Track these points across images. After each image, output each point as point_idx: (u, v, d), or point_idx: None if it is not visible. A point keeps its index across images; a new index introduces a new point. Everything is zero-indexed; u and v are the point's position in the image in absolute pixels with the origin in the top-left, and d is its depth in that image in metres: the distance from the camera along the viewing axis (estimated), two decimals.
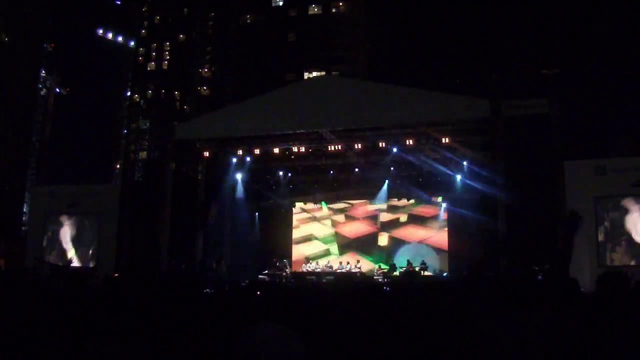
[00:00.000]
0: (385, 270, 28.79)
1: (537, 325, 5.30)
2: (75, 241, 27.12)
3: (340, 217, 33.68)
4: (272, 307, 5.51)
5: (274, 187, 32.61)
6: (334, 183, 31.66)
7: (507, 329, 5.26)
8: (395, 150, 26.60)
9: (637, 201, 20.95)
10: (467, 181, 28.29)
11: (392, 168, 29.18)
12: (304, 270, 31.01)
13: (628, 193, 20.91)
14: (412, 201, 31.69)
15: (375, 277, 27.83)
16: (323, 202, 33.41)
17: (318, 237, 33.73)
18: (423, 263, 28.69)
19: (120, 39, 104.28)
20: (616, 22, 63.51)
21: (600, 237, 21.01)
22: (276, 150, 27.41)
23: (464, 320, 5.38)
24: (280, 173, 31.16)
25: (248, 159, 28.99)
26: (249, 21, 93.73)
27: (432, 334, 5.45)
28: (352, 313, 6.28)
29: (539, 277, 16.15)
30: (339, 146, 26.86)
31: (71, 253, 26.78)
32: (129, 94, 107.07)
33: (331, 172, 30.47)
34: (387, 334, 5.90)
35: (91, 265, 26.15)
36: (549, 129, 21.79)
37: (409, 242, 31.60)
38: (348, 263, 30.50)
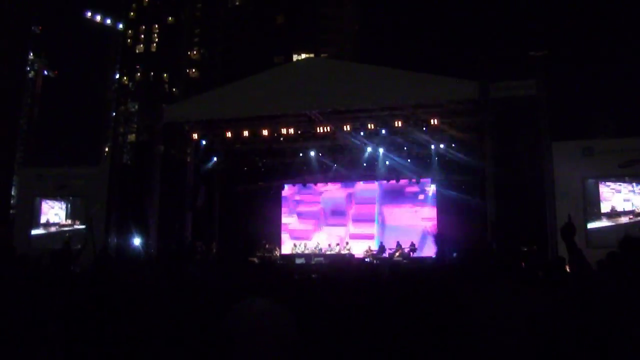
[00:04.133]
0: (374, 252, 28.88)
1: (526, 304, 5.34)
2: (63, 223, 27.05)
3: (328, 199, 33.68)
4: (262, 285, 5.54)
5: (262, 169, 32.59)
6: (322, 165, 31.65)
7: (493, 307, 5.29)
8: (384, 131, 26.64)
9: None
10: (456, 162, 28.36)
11: (380, 150, 29.21)
12: (293, 252, 31.06)
13: (615, 174, 21.00)
14: (401, 182, 31.70)
15: (365, 259, 27.93)
16: (312, 184, 33.38)
17: (307, 219, 33.74)
18: (412, 244, 28.76)
19: (108, 21, 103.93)
20: (604, 4, 63.61)
21: (588, 217, 21.10)
22: (265, 132, 27.38)
23: (452, 299, 5.41)
24: (269, 155, 31.13)
25: (237, 140, 28.97)
26: (237, 3, 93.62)
27: (423, 313, 5.48)
28: (340, 292, 6.31)
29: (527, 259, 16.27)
30: (328, 128, 26.86)
31: (59, 235, 26.69)
32: (117, 76, 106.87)
33: (320, 154, 30.48)
34: (378, 312, 5.93)
35: (79, 247, 26.06)
36: (537, 110, 21.87)
37: (397, 223, 31.65)
38: (337, 245, 30.58)
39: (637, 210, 20.98)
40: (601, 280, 5.80)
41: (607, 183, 21.30)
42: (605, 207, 21.21)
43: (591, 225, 21.04)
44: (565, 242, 5.83)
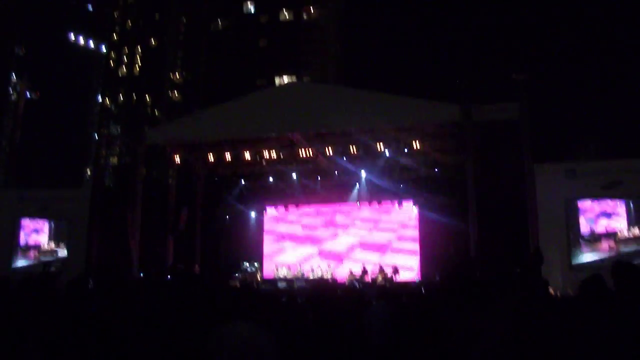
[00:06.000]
0: (356, 276, 28.78)
1: (498, 322, 5.34)
2: (45, 245, 26.92)
3: (311, 222, 33.61)
4: (243, 309, 5.49)
5: (244, 192, 32.54)
6: (304, 188, 31.65)
7: (468, 326, 5.29)
8: (366, 154, 26.68)
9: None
10: (438, 185, 28.42)
11: (362, 172, 29.28)
12: (275, 276, 30.94)
13: (598, 195, 21.06)
14: (383, 205, 31.70)
15: (348, 282, 27.85)
16: (294, 207, 33.34)
17: (289, 242, 33.65)
18: (394, 268, 28.71)
19: (91, 43, 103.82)
20: (585, 28, 64.08)
21: (571, 239, 21.13)
22: (247, 155, 27.38)
23: (433, 320, 5.41)
24: (251, 178, 31.13)
25: (219, 163, 28.94)
26: (220, 27, 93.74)
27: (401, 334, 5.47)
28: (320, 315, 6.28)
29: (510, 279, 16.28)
30: (310, 151, 26.87)
31: (41, 257, 26.56)
32: (100, 98, 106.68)
33: (302, 176, 30.50)
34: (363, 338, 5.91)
35: (60, 269, 25.92)
36: (519, 133, 21.94)
37: (380, 246, 31.60)
38: (319, 268, 30.45)
39: (619, 233, 21.01)
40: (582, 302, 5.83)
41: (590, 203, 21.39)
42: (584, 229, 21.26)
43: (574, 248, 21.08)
44: (530, 269, 5.93)
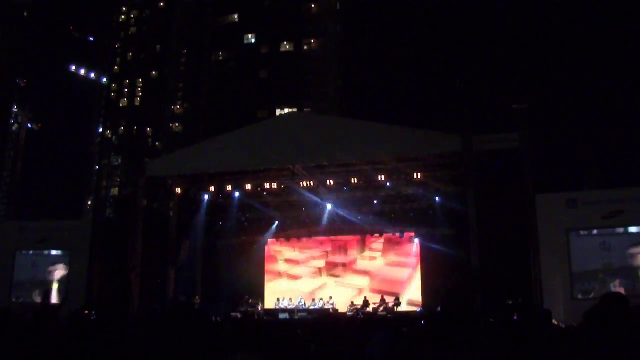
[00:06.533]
0: (358, 307, 28.66)
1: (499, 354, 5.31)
2: (46, 277, 26.83)
3: (312, 254, 33.48)
4: (244, 341, 5.46)
5: (246, 224, 32.42)
6: (306, 219, 31.54)
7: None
8: (367, 186, 26.62)
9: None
10: (440, 216, 28.31)
11: (363, 203, 29.20)
12: (277, 307, 30.79)
13: (599, 225, 21.01)
14: (385, 237, 31.59)
15: (348, 313, 27.72)
16: (295, 239, 33.23)
17: (290, 273, 33.52)
18: (396, 299, 28.59)
19: (92, 75, 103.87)
20: (585, 57, 64.22)
21: (573, 270, 21.03)
22: (248, 187, 27.32)
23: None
24: (252, 209, 31.03)
25: (220, 195, 28.90)
26: (221, 58, 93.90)
27: None
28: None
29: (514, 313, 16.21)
30: (311, 182, 26.82)
31: (42, 289, 26.45)
32: (101, 130, 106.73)
33: (303, 208, 30.44)
34: None
35: (60, 301, 25.83)
36: (520, 163, 21.90)
37: (382, 278, 31.47)
38: (321, 299, 30.32)
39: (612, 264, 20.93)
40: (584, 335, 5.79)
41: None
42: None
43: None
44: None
